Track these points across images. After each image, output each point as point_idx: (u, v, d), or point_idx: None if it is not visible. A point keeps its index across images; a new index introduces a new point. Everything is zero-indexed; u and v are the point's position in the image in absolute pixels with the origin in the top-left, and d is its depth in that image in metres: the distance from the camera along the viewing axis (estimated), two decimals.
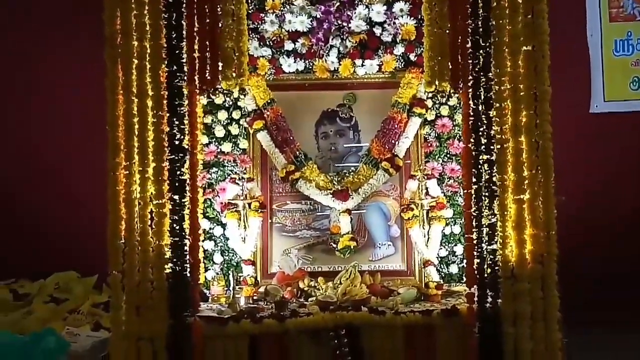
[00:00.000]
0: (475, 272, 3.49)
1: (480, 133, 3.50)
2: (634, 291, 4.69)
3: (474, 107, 3.53)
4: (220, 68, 3.72)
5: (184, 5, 3.52)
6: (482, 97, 3.50)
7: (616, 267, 4.70)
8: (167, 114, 3.46)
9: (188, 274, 3.47)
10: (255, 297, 3.86)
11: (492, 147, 3.47)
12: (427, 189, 4.09)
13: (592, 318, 4.44)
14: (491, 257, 3.45)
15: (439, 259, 4.14)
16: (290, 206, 4.20)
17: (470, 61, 3.52)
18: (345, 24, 4.17)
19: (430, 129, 4.24)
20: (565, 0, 4.71)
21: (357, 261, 4.00)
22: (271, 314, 3.58)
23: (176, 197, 3.45)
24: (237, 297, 3.79)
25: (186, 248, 3.47)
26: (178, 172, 3.47)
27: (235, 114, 4.21)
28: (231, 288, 3.86)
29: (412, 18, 4.13)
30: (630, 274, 4.69)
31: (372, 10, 4.16)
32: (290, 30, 4.16)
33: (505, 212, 3.44)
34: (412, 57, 4.17)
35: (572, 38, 4.83)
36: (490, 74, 3.47)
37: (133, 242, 3.42)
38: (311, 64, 4.20)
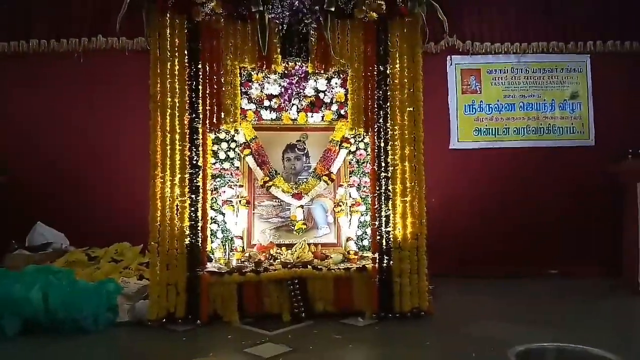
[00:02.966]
0: (377, 244, 3.57)
1: (381, 160, 3.58)
2: (478, 254, 4.80)
3: (378, 144, 3.59)
4: (222, 116, 3.69)
5: (200, 77, 3.53)
6: (383, 138, 3.58)
7: (463, 242, 4.81)
8: (188, 144, 3.47)
9: (199, 244, 3.47)
10: (242, 259, 3.83)
11: (388, 168, 3.55)
12: (350, 193, 4.11)
13: (450, 272, 4.58)
14: (387, 235, 3.53)
15: (357, 236, 4.16)
16: (266, 203, 4.16)
17: (376, 116, 3.60)
18: (301, 90, 4.17)
19: (352, 157, 4.24)
20: (435, 80, 4.79)
21: (306, 237, 4.01)
22: (252, 270, 3.57)
23: (193, 196, 3.46)
24: (230, 259, 3.77)
25: (199, 228, 3.47)
26: (194, 181, 3.47)
27: (232, 145, 4.17)
28: (227, 253, 3.83)
29: (343, 88, 4.14)
30: (472, 247, 4.81)
31: (318, 82, 4.17)
32: (267, 93, 4.16)
33: (396, 208, 3.54)
34: (342, 112, 4.18)
35: (439, 102, 4.92)
36: (388, 124, 3.57)
37: (165, 224, 3.42)
38: (280, 115, 4.19)
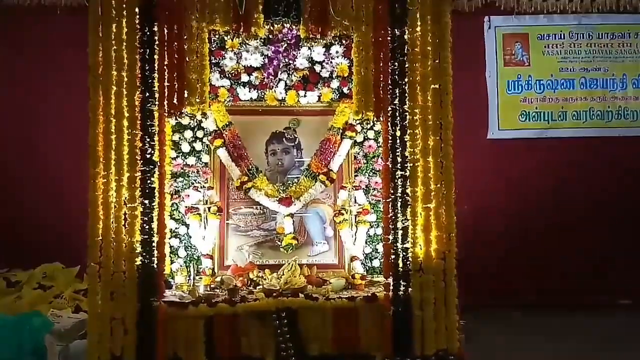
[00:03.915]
0: (391, 266, 3.57)
1: (397, 154, 3.58)
2: (520, 282, 4.85)
3: (392, 132, 3.60)
4: (185, 95, 3.69)
5: (156, 43, 3.52)
6: (399, 124, 3.58)
7: (504, 262, 4.84)
8: (140, 132, 3.46)
9: (155, 266, 3.46)
10: (212, 285, 3.84)
11: (406, 165, 3.55)
12: (355, 197, 4.13)
13: (484, 302, 4.60)
14: (404, 254, 3.54)
15: (364, 255, 4.18)
16: (244, 210, 4.17)
17: (390, 96, 3.60)
18: (291, 61, 4.18)
19: (359, 149, 4.25)
20: (469, 48, 4.84)
21: (298, 256, 4.02)
22: (224, 299, 3.57)
23: (146, 201, 3.45)
24: (196, 285, 3.78)
25: (154, 244, 3.46)
26: (148, 181, 3.47)
27: (199, 133, 4.17)
28: (192, 277, 3.84)
29: (346, 58, 4.15)
30: (515, 269, 4.84)
31: (314, 51, 4.17)
32: (246, 66, 4.16)
33: (416, 218, 3.54)
34: (345, 90, 4.19)
35: (474, 78, 4.96)
36: (405, 106, 3.57)
37: (109, 238, 3.41)
38: (263, 94, 4.19)
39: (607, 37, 5.02)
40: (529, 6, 4.96)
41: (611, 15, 5.00)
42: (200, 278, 3.91)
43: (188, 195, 4.11)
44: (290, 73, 4.21)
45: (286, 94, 4.22)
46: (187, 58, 3.66)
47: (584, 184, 4.95)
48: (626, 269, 4.88)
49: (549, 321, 4.56)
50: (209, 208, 4.04)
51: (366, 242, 4.19)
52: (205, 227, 4.02)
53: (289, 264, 3.92)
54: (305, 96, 4.23)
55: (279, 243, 4.10)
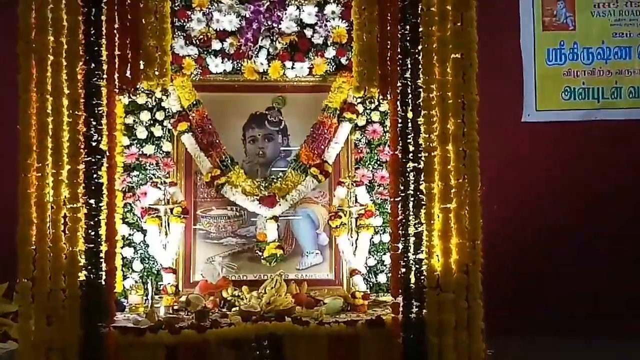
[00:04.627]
0: (401, 281, 3.56)
1: (408, 140, 3.57)
2: (565, 299, 4.87)
3: (402, 114, 3.59)
4: (142, 67, 3.71)
5: (104, 1, 3.50)
6: (411, 104, 3.57)
7: (541, 277, 4.87)
8: (84, 114, 3.44)
9: (103, 282, 3.45)
10: (175, 307, 3.84)
11: (419, 155, 3.54)
12: (356, 196, 4.16)
13: (515, 328, 4.62)
14: (417, 266, 3.53)
15: (367, 268, 4.22)
16: (215, 212, 4.20)
17: (399, 67, 3.59)
18: (275, 24, 4.21)
19: (360, 135, 4.30)
20: (499, 8, 4.86)
21: (284, 270, 4.04)
22: (191, 324, 3.57)
23: (92, 201, 3.43)
24: (155, 307, 3.78)
25: (102, 255, 3.44)
26: (94, 175, 3.44)
27: (159, 115, 4.20)
28: (150, 297, 3.84)
29: (344, 21, 4.18)
30: (556, 283, 4.87)
31: (303, 11, 4.20)
32: (218, 30, 4.18)
33: (432, 221, 3.52)
34: (343, 60, 4.23)
35: (505, 46, 4.96)
36: (419, 81, 3.55)
37: (45, 248, 3.39)
38: (239, 65, 4.23)
39: None
40: None
41: None
42: (161, 297, 3.91)
43: (145, 194, 4.12)
44: (274, 39, 4.23)
45: (269, 66, 4.24)
46: (143, 20, 3.66)
47: None
48: None
49: (595, 350, 4.58)
50: (171, 209, 4.05)
51: (370, 252, 4.21)
52: (166, 234, 4.03)
53: (273, 279, 3.92)
54: (292, 68, 4.26)
55: (260, 253, 4.13)
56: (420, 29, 3.56)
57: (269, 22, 4.21)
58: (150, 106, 4.20)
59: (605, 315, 4.83)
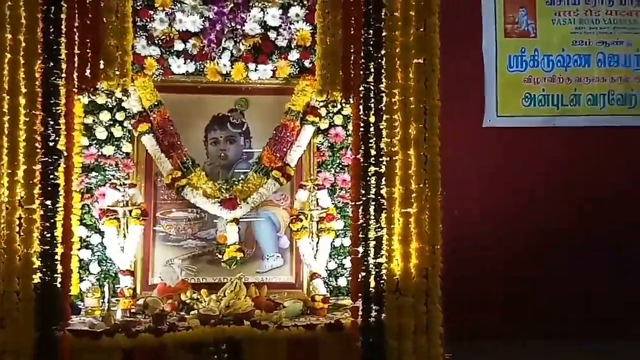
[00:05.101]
0: (361, 285, 3.57)
1: (370, 145, 3.58)
2: (528, 302, 4.92)
3: (365, 118, 3.60)
4: (102, 67, 3.67)
5: None
6: (373, 108, 3.58)
7: (501, 281, 4.90)
8: (42, 113, 3.39)
9: (59, 285, 3.40)
10: (133, 310, 3.81)
11: (381, 160, 3.56)
12: (317, 199, 4.15)
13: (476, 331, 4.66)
14: (377, 270, 3.54)
15: (328, 272, 4.22)
16: (175, 214, 4.17)
17: (362, 72, 3.60)
18: (239, 26, 4.19)
19: (323, 138, 4.30)
20: (461, 14, 4.87)
21: (244, 273, 4.03)
22: (148, 327, 3.55)
23: (48, 202, 3.39)
24: (112, 310, 3.74)
25: (57, 257, 3.40)
26: (51, 176, 3.40)
27: (119, 116, 4.16)
28: (106, 300, 3.80)
29: (308, 24, 4.17)
30: (519, 286, 4.91)
31: (267, 13, 4.19)
32: (180, 30, 4.15)
33: (392, 226, 3.55)
34: (307, 63, 4.22)
35: (468, 52, 4.98)
36: (382, 85, 3.57)
37: None
38: (202, 66, 4.20)
39: (631, 4, 5.11)
40: None
41: None
42: (118, 301, 3.87)
43: (103, 195, 4.07)
44: (238, 41, 4.21)
45: (232, 68, 4.22)
46: (104, 19, 3.62)
47: (603, 184, 5.02)
48: None
49: (557, 354, 4.64)
50: (130, 211, 4.01)
51: (330, 256, 4.21)
52: (124, 236, 3.99)
53: (232, 282, 3.90)
54: (256, 70, 4.24)
55: (220, 256, 4.09)
56: (384, 34, 3.59)
57: (233, 24, 4.19)
58: (110, 106, 4.15)
59: (563, 318, 4.90)
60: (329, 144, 4.31)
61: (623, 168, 5.05)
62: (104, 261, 4.09)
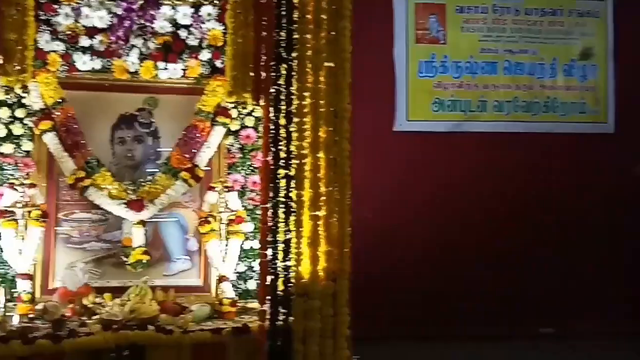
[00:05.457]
0: (269, 288, 3.54)
1: (280, 147, 3.57)
2: (432, 305, 5.02)
3: (275, 120, 3.59)
4: (0, 61, 3.55)
5: None
6: (284, 111, 3.57)
7: (408, 285, 4.98)
8: None
9: None
10: (31, 316, 3.69)
11: (291, 162, 3.55)
12: (226, 201, 4.12)
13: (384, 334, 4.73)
14: (285, 273, 3.53)
15: (237, 275, 4.19)
16: (79, 215, 4.07)
17: (273, 74, 3.58)
18: (148, 23, 4.11)
19: (234, 140, 4.28)
20: (374, 19, 4.96)
21: (150, 276, 3.96)
22: (46, 333, 3.44)
23: None
24: (8, 316, 3.62)
25: None
26: None
27: (20, 113, 4.00)
28: (2, 305, 3.67)
29: (221, 24, 4.13)
30: (423, 289, 5.00)
31: (178, 11, 4.13)
32: (87, 26, 4.05)
33: (301, 229, 3.55)
34: (218, 64, 4.18)
35: (380, 57, 5.06)
36: (292, 88, 3.56)
37: None
38: (109, 63, 4.11)
39: (536, 14, 5.30)
40: None
41: None
42: (15, 305, 3.75)
43: (1, 195, 3.92)
44: (147, 38, 4.14)
45: (140, 66, 4.15)
46: (2, 11, 3.49)
47: (508, 187, 5.18)
48: (551, 290, 5.16)
49: (458, 353, 4.75)
50: (29, 212, 3.87)
51: (240, 259, 4.19)
52: (23, 238, 3.85)
53: (138, 286, 3.83)
54: (165, 69, 4.18)
55: (125, 259, 4.02)
56: (295, 36, 3.59)
57: (142, 21, 4.11)
58: (9, 103, 3.99)
59: (467, 319, 5.02)
60: (240, 146, 4.29)
61: (526, 172, 5.23)
62: (0, 264, 3.93)
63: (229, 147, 4.28)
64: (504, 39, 5.26)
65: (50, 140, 3.97)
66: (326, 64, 3.62)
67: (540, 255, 5.17)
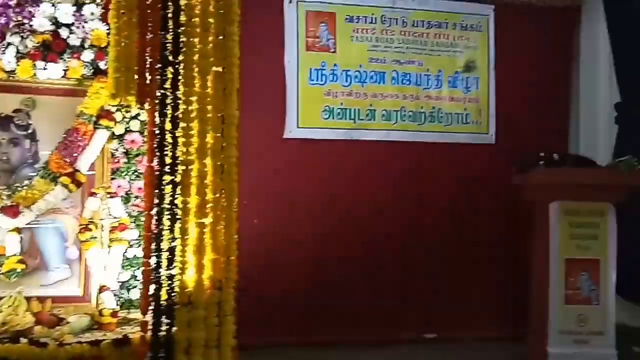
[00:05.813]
0: (152, 298, 3.45)
1: (166, 153, 3.49)
2: (317, 311, 5.04)
3: (160, 125, 3.50)
4: None
5: None
6: (169, 115, 3.49)
7: (295, 292, 4.98)
8: None
9: None
10: None
11: (176, 169, 3.48)
12: (109, 208, 4.01)
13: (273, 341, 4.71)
14: (169, 282, 3.44)
15: (120, 284, 4.09)
16: None
17: (159, 77, 3.50)
18: (26, 20, 3.97)
19: (118, 144, 4.19)
20: (265, 25, 4.95)
21: (25, 286, 3.83)
22: None
23: None
24: None
25: None
26: None
27: None
28: None
29: (105, 23, 4.03)
30: (310, 296, 5.03)
31: (59, 9, 4.01)
32: None
33: (186, 236, 3.47)
34: (102, 65, 4.08)
35: (270, 63, 5.05)
36: (179, 92, 3.49)
37: None
38: None
39: (422, 26, 5.42)
40: None
41: (428, 0, 5.41)
42: None
43: None
44: (25, 36, 4.00)
45: (17, 65, 4.00)
46: None
47: (398, 194, 5.27)
48: (434, 296, 5.29)
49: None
50: None
51: (123, 267, 4.10)
52: None
53: (11, 297, 3.70)
54: (45, 69, 4.05)
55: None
56: (182, 40, 3.52)
57: (19, 18, 3.95)
58: None
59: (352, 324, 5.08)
60: (124, 150, 4.19)
61: (413, 179, 5.34)
62: None
63: (113, 151, 4.17)
64: (392, 50, 5.35)
65: None
66: (214, 68, 3.57)
67: (424, 260, 5.28)
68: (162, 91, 3.51)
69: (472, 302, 5.34)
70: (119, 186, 4.14)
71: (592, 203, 4.66)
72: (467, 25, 5.55)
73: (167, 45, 3.51)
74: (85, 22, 4.06)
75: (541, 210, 4.76)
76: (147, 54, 3.62)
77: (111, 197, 4.04)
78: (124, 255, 4.06)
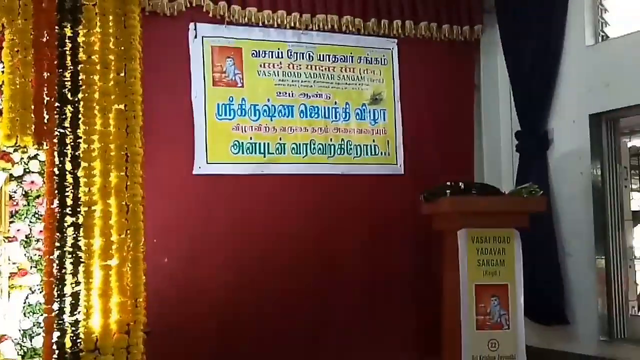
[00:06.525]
0: (56, 346, 3.34)
1: (67, 194, 3.42)
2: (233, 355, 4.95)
3: (60, 165, 3.43)
4: None
5: None
6: (70, 155, 3.43)
7: (214, 332, 4.89)
8: None
9: None
10: None
11: (79, 210, 3.41)
12: (9, 254, 3.86)
13: None
14: (73, 329, 3.35)
15: (22, 332, 3.92)
16: None
17: (57, 115, 3.44)
18: None
19: (17, 186, 4.06)
20: (170, 61, 4.89)
21: None
22: None
23: None
24: None
25: None
26: None
27: None
28: None
29: None
30: (227, 337, 4.93)
31: None
32: None
33: (91, 280, 3.39)
34: None
35: (177, 99, 4.96)
36: (79, 131, 3.44)
37: None
38: None
39: (328, 60, 5.46)
40: (242, 15, 5.13)
41: (333, 34, 5.46)
42: None
43: None
44: None
45: None
46: None
47: (307, 230, 5.24)
48: (350, 324, 5.28)
49: None
50: None
51: (25, 314, 3.92)
52: None
53: None
54: None
55: None
56: (81, 77, 3.46)
57: None
58: None
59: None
60: (24, 192, 4.05)
61: (325, 212, 5.33)
62: None
63: (11, 193, 4.02)
64: (299, 84, 5.35)
65: None
66: (116, 106, 3.53)
67: (338, 293, 5.27)
68: (61, 130, 3.44)
69: (386, 332, 5.34)
70: (18, 230, 4.00)
71: (497, 230, 4.76)
72: (372, 59, 5.63)
73: (66, 82, 3.45)
74: None
75: (449, 238, 4.83)
76: (44, 93, 3.56)
77: (9, 241, 3.89)
78: (25, 301, 3.89)
